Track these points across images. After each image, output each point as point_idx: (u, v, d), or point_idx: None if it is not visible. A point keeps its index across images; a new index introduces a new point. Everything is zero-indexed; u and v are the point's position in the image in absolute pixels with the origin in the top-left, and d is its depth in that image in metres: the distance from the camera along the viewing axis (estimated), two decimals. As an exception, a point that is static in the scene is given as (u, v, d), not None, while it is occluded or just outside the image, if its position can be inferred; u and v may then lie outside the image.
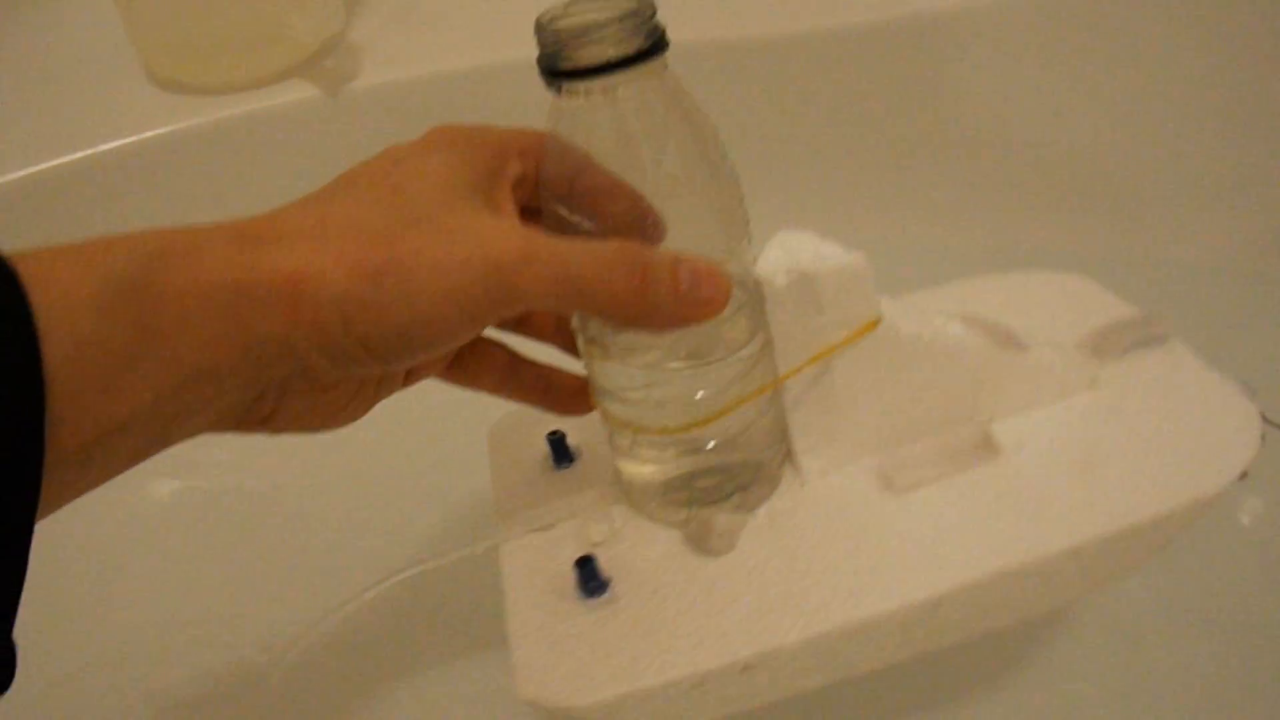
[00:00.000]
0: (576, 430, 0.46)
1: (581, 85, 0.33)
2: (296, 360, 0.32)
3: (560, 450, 0.45)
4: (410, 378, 0.40)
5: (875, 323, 0.39)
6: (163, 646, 0.62)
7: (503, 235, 0.32)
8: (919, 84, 0.77)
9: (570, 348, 0.42)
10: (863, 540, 0.39)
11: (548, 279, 0.31)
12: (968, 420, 0.42)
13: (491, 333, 0.42)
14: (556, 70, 0.33)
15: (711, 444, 0.39)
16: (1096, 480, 0.40)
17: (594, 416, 0.45)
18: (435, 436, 0.71)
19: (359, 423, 0.39)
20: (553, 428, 0.46)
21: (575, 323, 0.39)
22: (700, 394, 0.38)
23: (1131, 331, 0.44)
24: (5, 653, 0.29)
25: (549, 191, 0.36)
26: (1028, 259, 0.75)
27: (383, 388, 0.38)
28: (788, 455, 0.42)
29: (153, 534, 0.71)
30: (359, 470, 0.72)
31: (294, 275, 0.30)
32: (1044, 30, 0.74)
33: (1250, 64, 0.73)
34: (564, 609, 0.40)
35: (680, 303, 0.33)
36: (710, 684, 0.37)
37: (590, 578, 0.40)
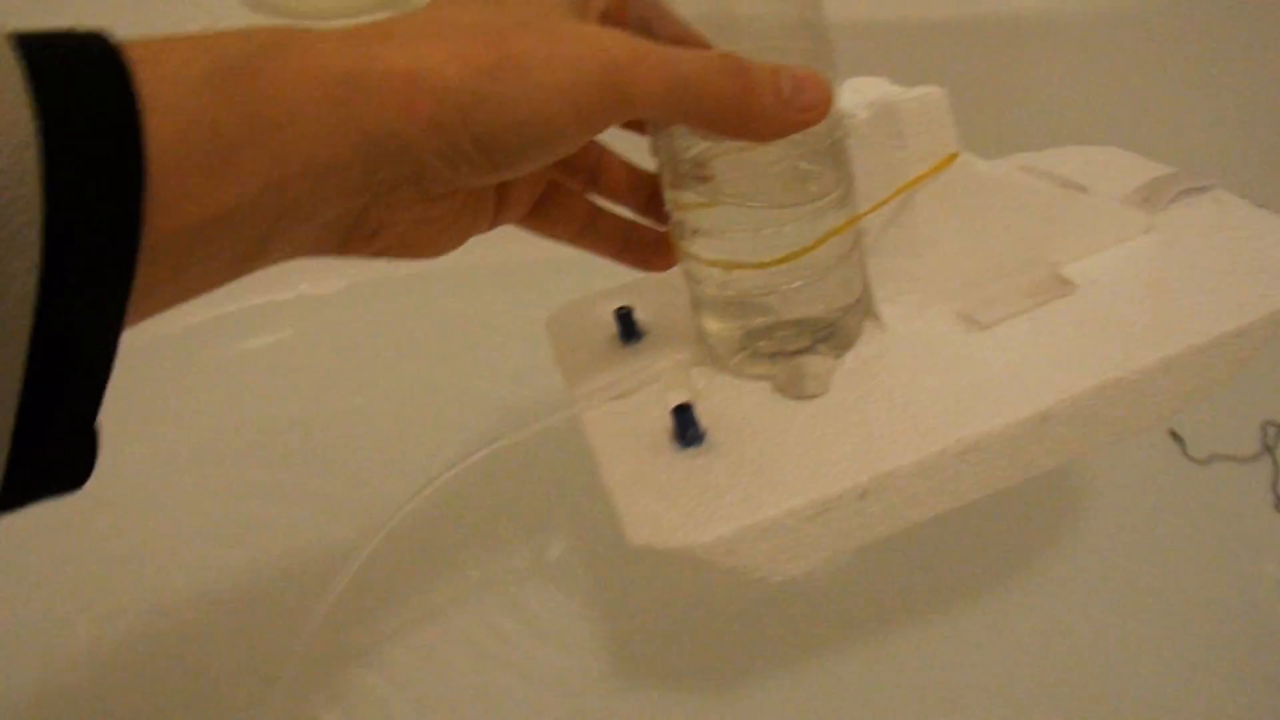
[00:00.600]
0: (644, 308, 0.45)
1: None
2: (411, 161, 0.31)
3: (628, 325, 0.44)
4: (499, 217, 0.39)
5: (955, 156, 0.40)
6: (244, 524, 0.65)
7: (612, 38, 0.31)
8: (992, 84, 0.76)
9: (642, 210, 0.42)
10: (958, 372, 0.39)
11: (657, 81, 0.31)
12: (1040, 262, 0.43)
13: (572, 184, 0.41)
14: None
15: (798, 283, 0.39)
16: (1174, 303, 0.40)
17: (663, 294, 0.45)
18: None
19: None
20: (617, 306, 0.45)
21: (662, 160, 0.38)
22: (790, 227, 0.38)
23: (1176, 183, 0.45)
24: (89, 444, 0.28)
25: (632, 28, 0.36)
26: None
27: (477, 219, 0.37)
28: (866, 308, 0.42)
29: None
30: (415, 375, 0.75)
31: (410, 70, 0.29)
32: (1121, 39, 0.75)
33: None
34: (662, 460, 0.38)
35: (783, 106, 0.33)
36: (830, 513, 0.36)
37: (688, 424, 0.38)
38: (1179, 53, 0.76)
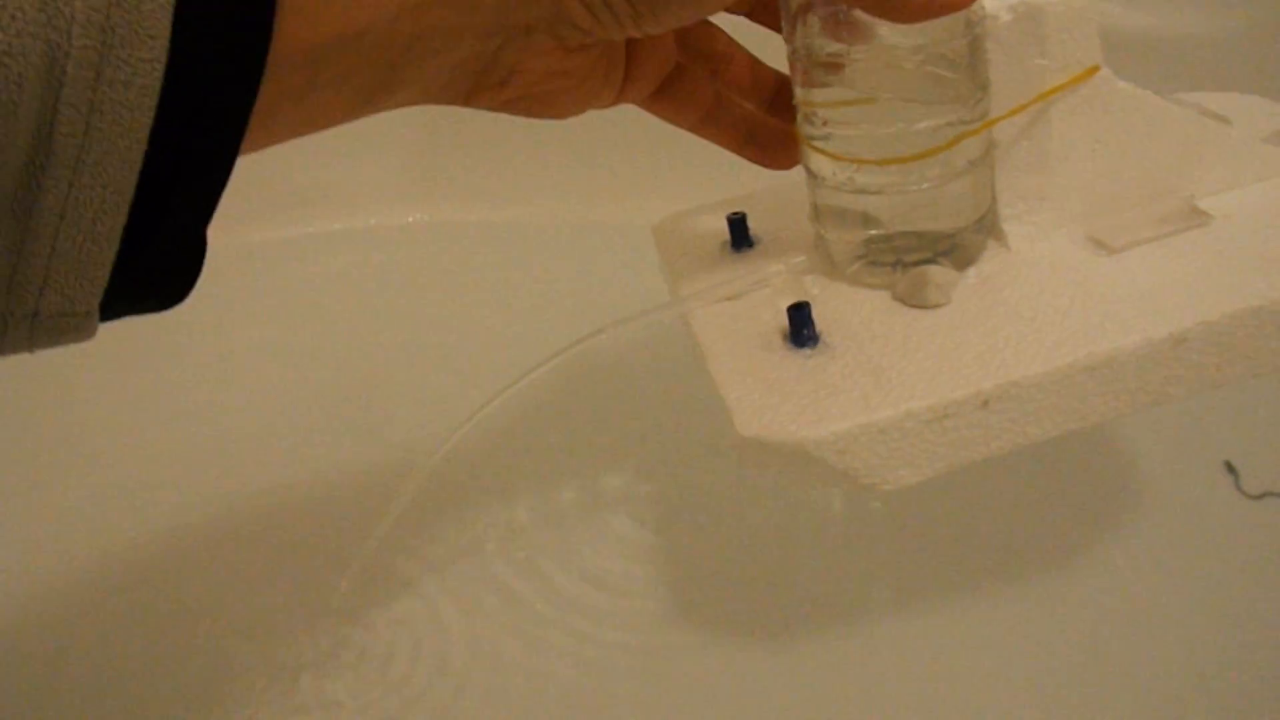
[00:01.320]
0: (757, 217, 0.44)
1: None
2: (552, 3, 0.30)
3: (740, 233, 0.43)
4: (626, 92, 0.38)
5: (1095, 69, 0.38)
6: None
7: None
8: None
9: (765, 108, 0.41)
10: (1088, 291, 0.38)
11: None
12: (1176, 191, 0.41)
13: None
14: None
15: (925, 185, 0.37)
16: (1317, 240, 0.39)
17: (778, 204, 0.44)
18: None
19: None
20: (728, 214, 0.44)
21: (796, 51, 0.37)
22: (921, 125, 0.36)
23: (1318, 124, 0.43)
24: (195, 257, 0.27)
25: None
26: None
27: (605, 86, 0.37)
28: (991, 226, 0.41)
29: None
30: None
31: None
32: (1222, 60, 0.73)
33: None
34: (775, 358, 0.37)
35: None
36: (950, 419, 0.35)
37: (804, 323, 0.37)
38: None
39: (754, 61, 0.41)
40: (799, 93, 0.38)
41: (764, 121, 0.41)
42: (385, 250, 0.81)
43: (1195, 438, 0.59)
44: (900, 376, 0.35)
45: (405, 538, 0.56)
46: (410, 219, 0.83)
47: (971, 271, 0.40)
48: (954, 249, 0.39)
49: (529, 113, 0.35)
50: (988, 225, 0.40)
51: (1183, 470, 0.58)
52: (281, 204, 0.79)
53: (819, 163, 0.38)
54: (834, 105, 0.37)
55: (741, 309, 0.40)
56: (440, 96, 0.32)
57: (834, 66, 0.36)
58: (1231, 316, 0.36)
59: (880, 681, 0.49)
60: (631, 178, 0.80)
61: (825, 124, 0.37)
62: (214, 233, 0.27)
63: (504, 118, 0.36)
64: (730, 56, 0.40)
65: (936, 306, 0.38)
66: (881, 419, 0.34)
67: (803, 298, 0.39)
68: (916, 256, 0.39)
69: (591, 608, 0.53)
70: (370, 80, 0.29)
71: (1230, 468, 0.60)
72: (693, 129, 0.41)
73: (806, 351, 0.37)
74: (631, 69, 0.37)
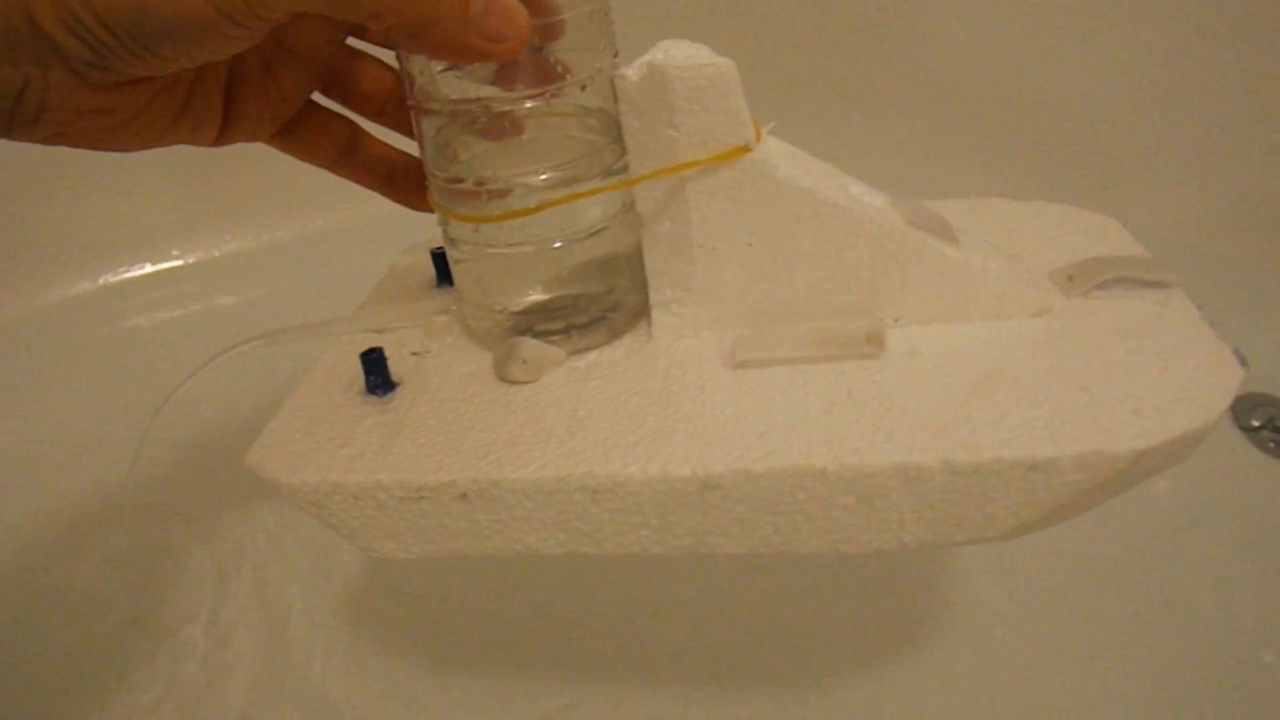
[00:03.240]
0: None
1: None
2: (43, 38, 0.29)
3: (443, 268, 0.41)
4: (231, 133, 0.36)
5: (742, 149, 0.32)
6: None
7: None
8: (889, 25, 0.74)
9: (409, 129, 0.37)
10: (664, 405, 0.32)
11: None
12: (863, 311, 0.33)
13: (335, 106, 0.38)
14: None
15: (529, 248, 0.34)
16: (981, 407, 0.30)
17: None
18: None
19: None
20: (432, 248, 0.42)
21: (417, 83, 0.34)
22: (543, 176, 0.33)
23: (1122, 268, 0.33)
24: None
25: None
26: None
27: (183, 124, 0.35)
28: (632, 308, 0.36)
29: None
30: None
31: None
32: None
33: (1227, 39, 0.67)
34: (342, 399, 0.36)
35: (465, 26, 0.28)
36: (427, 502, 0.32)
37: (374, 371, 0.35)
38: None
39: (388, 71, 0.38)
40: (420, 147, 0.35)
41: (405, 161, 0.38)
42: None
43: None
44: (410, 446, 0.33)
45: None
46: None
47: (593, 354, 0.35)
48: (584, 328, 0.35)
49: (91, 144, 0.34)
50: (630, 306, 0.35)
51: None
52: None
53: (442, 220, 0.36)
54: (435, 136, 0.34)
55: (376, 341, 0.38)
56: None
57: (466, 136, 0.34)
58: (784, 472, 0.29)
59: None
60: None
61: (447, 176, 0.35)
62: None
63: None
64: (355, 70, 0.37)
65: (519, 383, 0.34)
66: (353, 482, 0.32)
67: (422, 347, 0.37)
68: (545, 326, 0.35)
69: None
70: None
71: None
72: (330, 168, 0.38)
73: (374, 399, 0.35)
74: (235, 108, 0.36)
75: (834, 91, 0.79)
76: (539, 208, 0.33)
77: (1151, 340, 0.31)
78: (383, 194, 0.39)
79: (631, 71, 0.32)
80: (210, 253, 0.83)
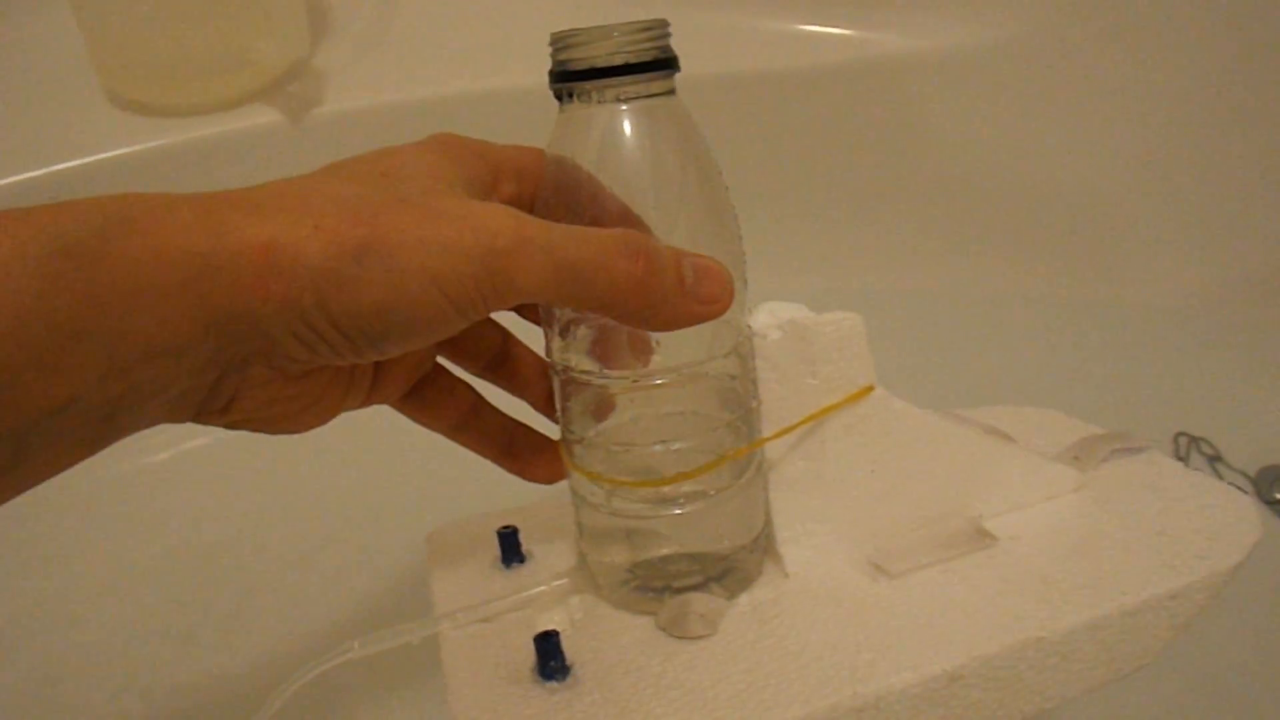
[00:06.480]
0: (529, 532, 0.41)
1: (593, 87, 0.32)
2: (263, 340, 0.29)
3: (511, 547, 0.40)
4: (374, 395, 0.36)
5: (869, 389, 0.37)
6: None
7: (495, 216, 0.29)
8: (885, 126, 0.76)
9: (545, 406, 0.39)
10: (861, 623, 0.35)
11: (544, 264, 0.29)
12: (960, 513, 0.39)
13: (462, 374, 0.39)
14: (568, 72, 0.32)
15: (688, 509, 0.35)
16: (1104, 562, 0.37)
17: (555, 516, 0.41)
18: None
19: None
20: (499, 527, 0.41)
21: (554, 351, 0.35)
22: (680, 445, 0.35)
23: (1109, 443, 0.43)
24: None
25: (545, 214, 0.34)
26: (994, 301, 0.75)
27: (347, 396, 0.35)
28: (767, 548, 0.38)
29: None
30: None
31: (266, 245, 0.28)
32: (1010, 74, 0.75)
33: (1218, 114, 0.73)
34: (519, 693, 0.34)
35: (684, 296, 0.31)
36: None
37: (551, 655, 0.34)
38: (1065, 83, 0.76)
39: (534, 357, 0.40)
40: (560, 407, 0.36)
41: (525, 431, 0.39)
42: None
43: None
44: (648, 716, 0.32)
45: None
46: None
47: (744, 598, 0.37)
48: (727, 573, 0.37)
49: (267, 429, 0.33)
50: (762, 547, 0.38)
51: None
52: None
53: (577, 480, 0.36)
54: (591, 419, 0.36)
55: (497, 632, 0.36)
56: (166, 420, 0.31)
57: (601, 407, 0.35)
58: (1011, 649, 0.34)
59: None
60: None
61: (583, 442, 0.36)
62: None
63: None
64: (506, 352, 0.39)
65: (699, 638, 0.35)
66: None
67: (562, 624, 0.36)
68: (686, 582, 0.37)
69: None
70: (87, 435, 0.28)
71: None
72: (447, 434, 0.39)
73: (554, 685, 0.34)
74: (380, 377, 0.36)
75: (838, 192, 0.79)
76: (690, 474, 0.35)
77: (1173, 489, 0.40)
78: (498, 462, 0.39)
79: (773, 333, 0.36)
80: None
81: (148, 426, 0.30)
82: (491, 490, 0.44)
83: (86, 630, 0.62)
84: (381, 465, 0.71)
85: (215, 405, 0.31)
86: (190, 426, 0.32)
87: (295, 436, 0.34)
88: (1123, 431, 0.44)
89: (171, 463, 0.74)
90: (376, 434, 0.65)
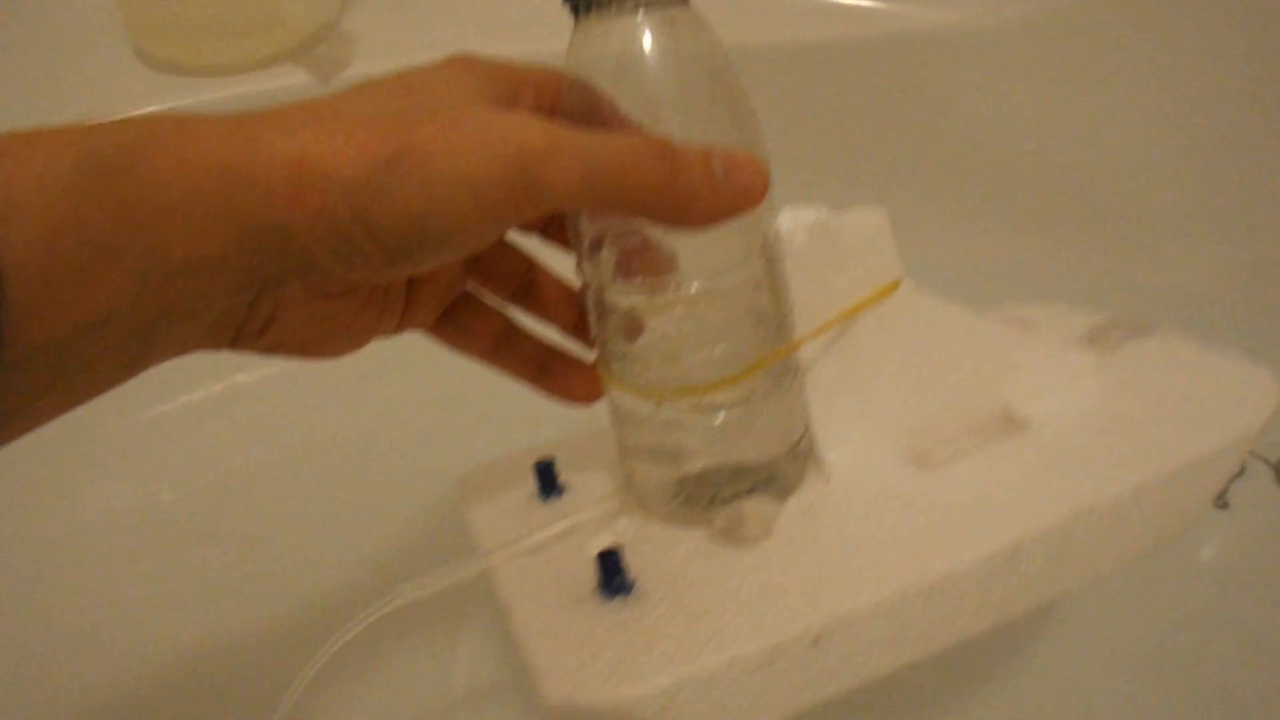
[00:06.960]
0: (562, 465, 0.41)
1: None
2: (299, 256, 0.28)
3: (548, 480, 0.40)
4: (407, 319, 0.36)
5: (897, 283, 0.37)
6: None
7: (524, 125, 0.29)
8: (909, 101, 0.76)
9: (572, 330, 0.39)
10: (914, 513, 0.35)
11: (575, 169, 0.29)
12: (990, 401, 0.40)
13: (492, 300, 0.39)
14: None
15: (732, 416, 0.35)
16: (1138, 435, 0.37)
17: (588, 449, 0.41)
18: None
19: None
20: (535, 460, 0.41)
21: (588, 278, 0.35)
22: (719, 351, 0.35)
23: (1119, 326, 0.43)
24: None
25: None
26: (1015, 281, 0.74)
27: (381, 319, 0.35)
28: (809, 452, 0.38)
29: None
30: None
31: (298, 158, 0.27)
32: (1038, 51, 0.74)
33: (1245, 93, 0.72)
34: (585, 610, 0.33)
35: (715, 190, 0.30)
36: (780, 661, 0.31)
37: (614, 571, 0.34)
38: (1093, 61, 0.75)
39: (559, 280, 0.39)
40: (594, 327, 0.36)
41: (559, 353, 0.39)
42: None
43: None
44: (722, 620, 0.32)
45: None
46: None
47: (792, 502, 0.37)
48: (772, 479, 0.37)
49: (299, 355, 0.33)
50: (804, 451, 0.38)
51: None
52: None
53: (620, 397, 0.36)
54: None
55: (550, 560, 0.36)
56: (203, 347, 0.30)
57: (634, 326, 0.35)
58: (1066, 520, 0.34)
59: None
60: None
61: (623, 358, 0.35)
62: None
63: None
64: (533, 277, 0.38)
65: (756, 542, 0.35)
66: (705, 669, 0.30)
67: (614, 543, 0.36)
68: (733, 490, 0.36)
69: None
70: (125, 354, 0.27)
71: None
72: (482, 358, 0.38)
73: (620, 601, 0.33)
74: (411, 300, 0.36)
75: (860, 166, 0.78)
76: (733, 379, 0.35)
77: (1189, 363, 0.41)
78: (536, 384, 0.39)
79: (799, 236, 0.36)
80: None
81: (187, 351, 0.30)
82: (514, 439, 0.44)
83: (117, 568, 0.61)
84: (406, 416, 0.69)
85: (252, 327, 0.31)
86: (218, 368, 0.32)
87: (316, 391, 0.34)
88: (1129, 315, 0.45)
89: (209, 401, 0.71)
90: (403, 387, 0.67)
